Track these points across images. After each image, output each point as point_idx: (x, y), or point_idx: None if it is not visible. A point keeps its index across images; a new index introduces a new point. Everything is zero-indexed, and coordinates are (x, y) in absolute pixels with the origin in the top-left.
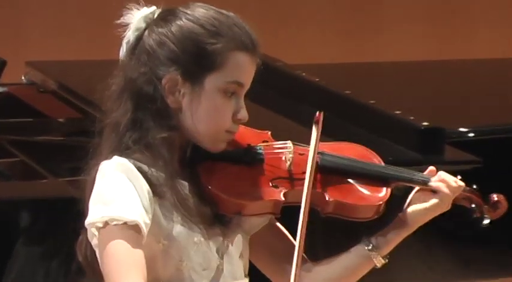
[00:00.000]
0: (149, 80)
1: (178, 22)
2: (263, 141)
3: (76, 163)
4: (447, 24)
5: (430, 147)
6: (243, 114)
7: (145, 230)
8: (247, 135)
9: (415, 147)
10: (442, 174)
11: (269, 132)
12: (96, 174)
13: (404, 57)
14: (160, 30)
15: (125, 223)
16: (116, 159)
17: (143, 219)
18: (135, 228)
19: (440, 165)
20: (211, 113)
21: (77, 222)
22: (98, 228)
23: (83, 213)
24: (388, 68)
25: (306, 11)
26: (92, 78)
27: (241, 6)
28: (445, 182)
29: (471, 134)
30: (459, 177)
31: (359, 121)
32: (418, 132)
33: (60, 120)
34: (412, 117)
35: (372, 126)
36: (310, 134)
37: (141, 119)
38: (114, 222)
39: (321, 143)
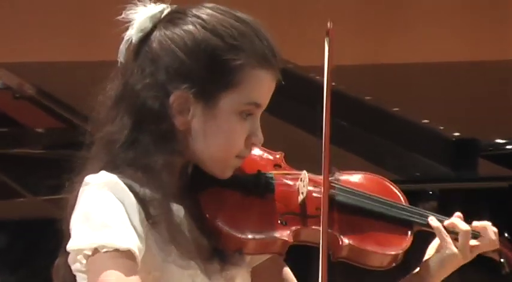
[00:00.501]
0: (154, 95)
1: (191, 28)
2: (274, 166)
3: (58, 180)
4: (483, 20)
5: (461, 161)
6: (259, 138)
7: (138, 255)
8: (258, 159)
9: (445, 161)
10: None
11: (282, 154)
12: (79, 191)
13: (433, 58)
14: (169, 35)
15: (117, 250)
16: (104, 175)
17: (136, 244)
18: (128, 254)
19: (474, 182)
20: (224, 137)
21: (58, 246)
22: (86, 256)
23: (63, 235)
24: (414, 71)
25: (321, 5)
26: (76, 82)
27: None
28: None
29: (509, 146)
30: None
31: (381, 131)
32: (449, 144)
33: (39, 130)
34: (441, 127)
35: (396, 137)
36: (318, 145)
37: (141, 141)
38: (105, 250)
39: (342, 174)
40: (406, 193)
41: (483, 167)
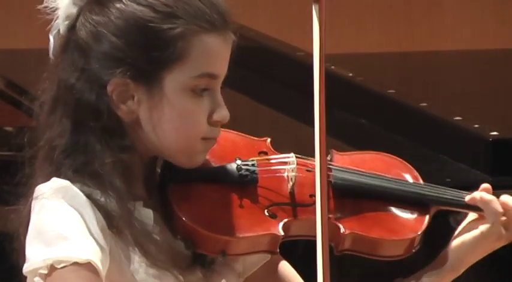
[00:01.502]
0: (89, 87)
1: (118, 5)
2: (259, 153)
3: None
4: None
5: (500, 165)
6: (222, 113)
7: (101, 267)
8: (238, 145)
9: (481, 164)
10: (504, 197)
11: (268, 140)
12: (31, 204)
13: (466, 44)
14: (95, 18)
15: (76, 263)
16: (55, 182)
17: (97, 255)
18: (89, 267)
19: None
20: (179, 120)
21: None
22: (43, 276)
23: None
24: (444, 59)
25: None
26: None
27: None
28: (507, 205)
29: None
30: None
31: (405, 130)
32: (485, 145)
33: (8, 129)
34: (476, 125)
35: (424, 137)
36: (338, 146)
37: (83, 142)
38: (62, 265)
39: (337, 153)
40: None
41: None
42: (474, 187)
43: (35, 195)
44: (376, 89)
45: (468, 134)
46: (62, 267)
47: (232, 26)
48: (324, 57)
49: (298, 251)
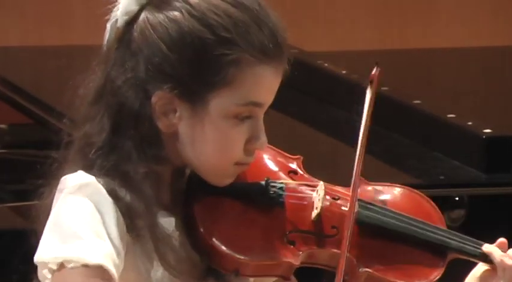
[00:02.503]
0: (134, 94)
1: (177, 16)
2: (289, 172)
3: (24, 184)
4: None
5: (494, 162)
6: (260, 142)
7: (114, 272)
8: (269, 162)
9: (475, 162)
10: None
11: (300, 159)
12: (55, 195)
13: (460, 42)
14: (152, 22)
15: (86, 265)
16: (81, 177)
17: (111, 259)
18: (99, 271)
19: (508, 187)
20: (217, 143)
21: (25, 262)
22: (52, 271)
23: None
24: (438, 57)
25: None
26: (46, 70)
27: None
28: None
29: None
30: None
31: (400, 127)
32: (479, 143)
33: (2, 126)
34: (470, 123)
35: (417, 134)
36: (337, 146)
37: (120, 146)
38: (71, 265)
39: (364, 182)
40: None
41: None
42: (468, 184)
43: (60, 186)
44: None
45: (462, 132)
46: (71, 268)
47: (287, 54)
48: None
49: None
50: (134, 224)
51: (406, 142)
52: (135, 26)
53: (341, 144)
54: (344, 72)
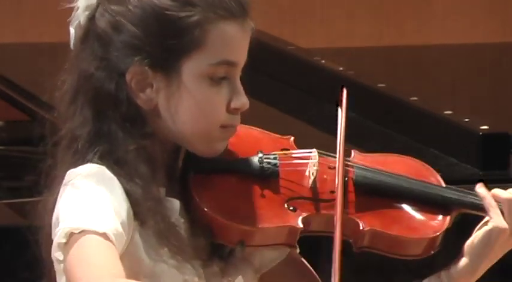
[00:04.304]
0: (108, 76)
1: None
2: (282, 149)
3: (20, 181)
4: None
5: (490, 159)
6: (241, 101)
7: (115, 244)
8: (262, 141)
9: (471, 158)
10: (494, 190)
11: (292, 138)
12: (58, 195)
13: (457, 39)
14: (113, 7)
15: (94, 232)
16: (91, 166)
17: (115, 232)
18: (106, 238)
19: (504, 183)
20: (197, 108)
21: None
22: (62, 247)
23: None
24: (434, 54)
25: None
26: (43, 66)
27: None
28: (498, 197)
29: None
30: None
31: (396, 124)
32: (475, 139)
33: None
34: (466, 119)
35: (414, 131)
36: (328, 139)
37: (106, 130)
38: (80, 230)
39: (359, 153)
40: None
41: None
42: (464, 181)
43: (66, 178)
44: (366, 83)
45: (458, 128)
46: (79, 233)
47: (250, 12)
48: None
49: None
50: (138, 207)
51: (402, 139)
52: (96, 17)
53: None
54: (341, 68)
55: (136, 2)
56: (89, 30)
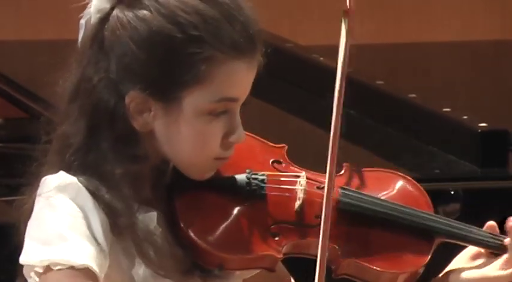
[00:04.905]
0: (108, 92)
1: (146, 14)
2: (273, 162)
3: (19, 178)
4: None
5: (489, 157)
6: (238, 136)
7: (98, 272)
8: (253, 151)
9: (470, 156)
10: None
11: (284, 148)
12: (36, 195)
13: (455, 36)
14: (123, 21)
15: (72, 267)
16: (62, 177)
17: (96, 259)
18: (85, 272)
19: (503, 180)
20: (193, 140)
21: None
22: (38, 274)
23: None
24: (433, 51)
25: None
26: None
27: None
28: None
29: None
30: None
31: (394, 122)
32: (474, 137)
33: None
34: (465, 117)
35: (412, 128)
36: (327, 137)
37: (96, 147)
38: (58, 267)
39: (350, 169)
40: None
41: None
42: (463, 178)
43: (40, 187)
44: (365, 80)
45: (457, 126)
46: (57, 270)
47: (261, 47)
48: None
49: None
50: (115, 223)
51: (401, 136)
52: (106, 25)
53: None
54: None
55: (143, 24)
56: (98, 35)
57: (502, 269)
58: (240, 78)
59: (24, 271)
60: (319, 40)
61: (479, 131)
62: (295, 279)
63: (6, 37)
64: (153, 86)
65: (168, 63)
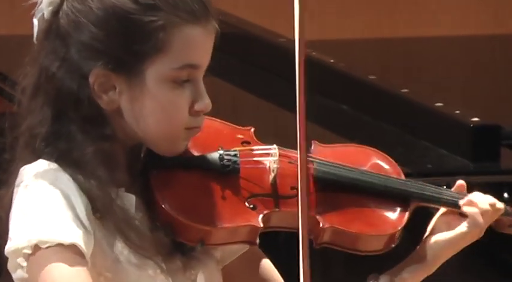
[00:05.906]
0: (70, 77)
1: None
2: (242, 143)
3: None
4: None
5: (481, 151)
6: (204, 103)
7: (85, 250)
8: (221, 134)
9: (462, 150)
10: (475, 195)
11: (251, 129)
12: (15, 187)
13: (448, 30)
14: (76, 5)
15: (60, 244)
16: (42, 164)
17: (82, 237)
18: (73, 249)
19: (495, 175)
20: (160, 111)
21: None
22: (27, 256)
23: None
24: (425, 46)
25: None
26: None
27: None
28: (477, 204)
29: None
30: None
31: (388, 116)
32: (466, 131)
33: None
34: (457, 111)
35: (405, 123)
36: (319, 132)
37: (65, 131)
38: (46, 245)
39: (319, 145)
40: None
41: (506, 157)
42: (455, 172)
43: (19, 177)
44: (357, 75)
45: (449, 120)
46: (46, 248)
47: (215, 14)
48: (305, 45)
49: (280, 243)
50: (95, 205)
51: (393, 131)
52: (60, 13)
53: (331, 133)
54: (332, 61)
55: (99, 3)
56: (52, 25)
57: (469, 227)
58: (198, 43)
59: (10, 263)
60: (311, 35)
61: (472, 125)
62: (275, 260)
63: (0, 32)
64: (115, 60)
65: (127, 34)
